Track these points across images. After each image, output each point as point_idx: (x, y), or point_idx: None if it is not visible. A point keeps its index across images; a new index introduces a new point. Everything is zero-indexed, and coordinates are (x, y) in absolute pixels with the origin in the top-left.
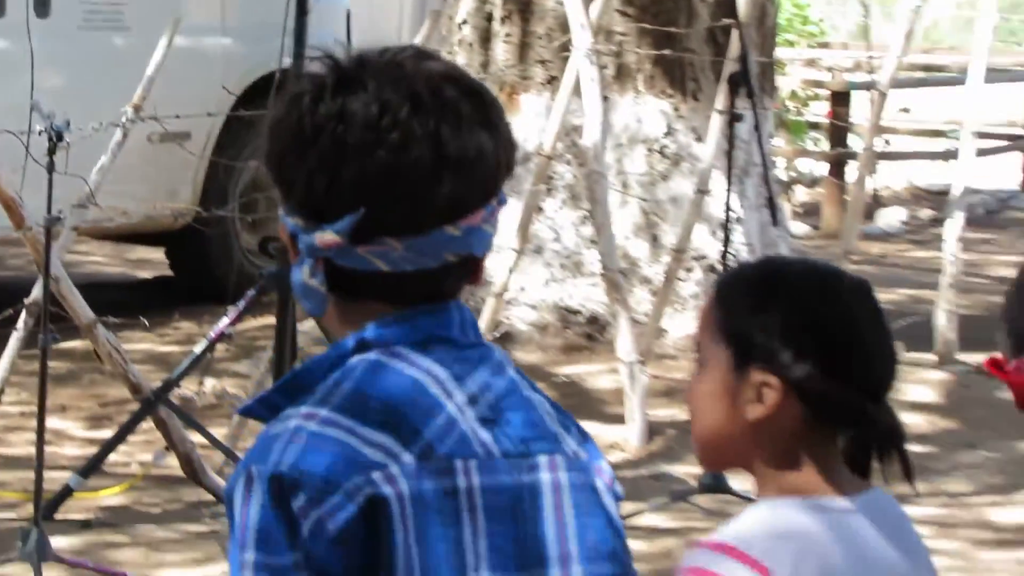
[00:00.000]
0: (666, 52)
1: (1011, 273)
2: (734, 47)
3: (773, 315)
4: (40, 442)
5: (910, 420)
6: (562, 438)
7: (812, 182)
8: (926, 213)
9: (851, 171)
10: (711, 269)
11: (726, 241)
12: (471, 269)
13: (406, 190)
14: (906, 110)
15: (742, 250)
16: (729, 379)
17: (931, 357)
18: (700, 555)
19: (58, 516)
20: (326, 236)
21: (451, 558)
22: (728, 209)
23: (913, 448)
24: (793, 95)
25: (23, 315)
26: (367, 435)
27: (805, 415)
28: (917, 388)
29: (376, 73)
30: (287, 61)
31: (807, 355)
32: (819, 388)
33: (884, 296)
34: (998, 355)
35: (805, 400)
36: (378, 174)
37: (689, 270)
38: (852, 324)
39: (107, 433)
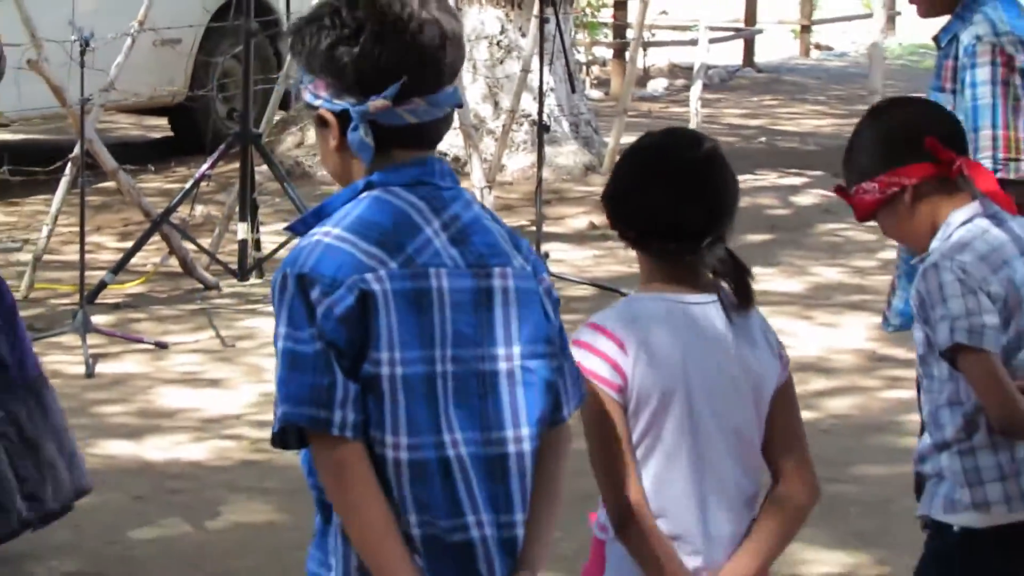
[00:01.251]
0: None
1: (737, 122)
2: None
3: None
4: (82, 251)
5: None
6: (513, 255)
7: (603, 63)
8: (680, 82)
9: (629, 54)
10: (533, 123)
11: (541, 104)
12: (451, 118)
13: (427, 61)
14: (665, 12)
15: (555, 110)
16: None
17: None
18: (581, 331)
19: (97, 301)
20: (378, 103)
21: (420, 335)
22: (542, 82)
23: None
24: (589, 3)
25: (68, 165)
26: (365, 248)
27: (649, 248)
28: None
29: None
30: None
31: (619, 218)
32: (625, 232)
33: None
34: (842, 183)
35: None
36: (409, 53)
37: (520, 124)
38: (653, 189)
39: (129, 244)
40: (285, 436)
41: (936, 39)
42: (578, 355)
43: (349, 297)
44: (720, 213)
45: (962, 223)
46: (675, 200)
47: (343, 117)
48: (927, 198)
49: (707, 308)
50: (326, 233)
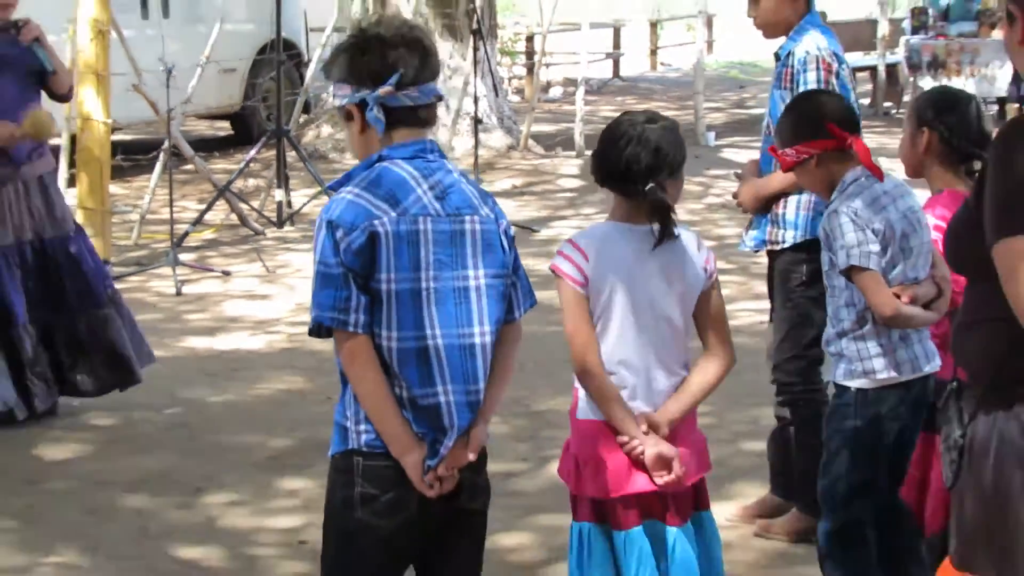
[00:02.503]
0: (446, 20)
1: (609, 114)
2: (476, 15)
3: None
4: (171, 211)
5: (568, 180)
6: (480, 207)
7: (519, 77)
8: (570, 89)
9: (536, 71)
10: (472, 118)
11: (476, 105)
12: (436, 106)
13: (417, 61)
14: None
15: (486, 109)
16: None
17: (573, 154)
18: (563, 245)
19: (183, 245)
20: (386, 88)
21: (411, 263)
22: (476, 91)
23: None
24: (509, 38)
25: (161, 154)
26: (375, 202)
27: (612, 188)
28: (567, 170)
29: (388, 20)
30: (273, 35)
31: (595, 167)
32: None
33: (552, 128)
34: (775, 146)
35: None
36: (404, 56)
37: (463, 119)
38: (612, 149)
39: (203, 206)
40: (318, 330)
41: (776, 54)
42: (558, 261)
43: (362, 237)
44: (656, 167)
45: (852, 181)
46: (626, 156)
47: (362, 106)
48: (827, 163)
49: (649, 233)
50: (349, 191)
